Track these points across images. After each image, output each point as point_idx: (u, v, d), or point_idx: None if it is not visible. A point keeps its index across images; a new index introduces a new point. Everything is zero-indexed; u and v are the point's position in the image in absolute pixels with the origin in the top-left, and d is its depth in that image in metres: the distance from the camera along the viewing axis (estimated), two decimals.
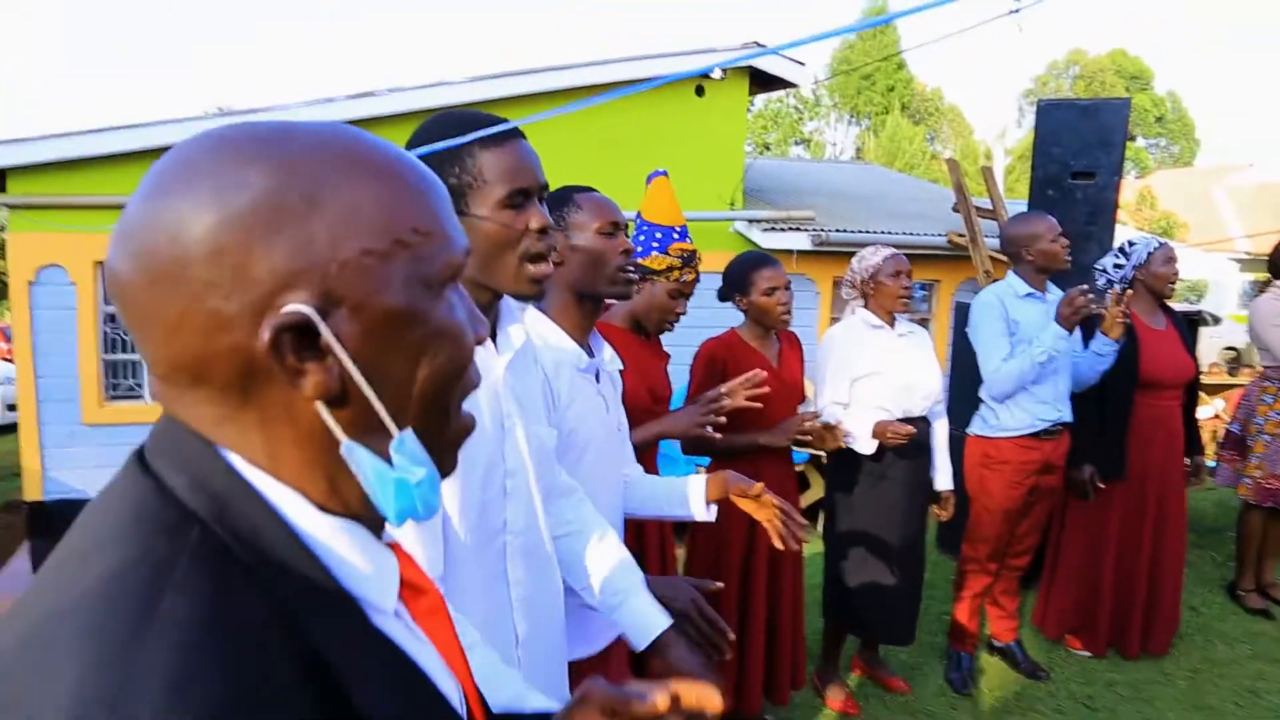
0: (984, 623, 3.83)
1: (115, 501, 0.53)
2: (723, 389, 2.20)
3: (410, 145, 1.24)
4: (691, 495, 1.77)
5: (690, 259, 2.48)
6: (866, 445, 3.00)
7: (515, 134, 1.26)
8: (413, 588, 0.64)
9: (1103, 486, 3.50)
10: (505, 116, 1.28)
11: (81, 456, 7.06)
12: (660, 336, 2.68)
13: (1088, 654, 3.72)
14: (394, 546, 0.64)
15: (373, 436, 0.56)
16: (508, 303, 1.33)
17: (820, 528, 7.01)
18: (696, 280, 2.58)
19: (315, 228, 0.53)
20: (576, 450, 1.64)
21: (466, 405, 0.65)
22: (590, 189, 1.78)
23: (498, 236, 1.20)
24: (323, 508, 0.57)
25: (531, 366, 1.41)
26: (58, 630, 0.45)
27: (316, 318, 0.53)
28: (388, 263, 0.56)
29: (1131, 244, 3.61)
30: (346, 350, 0.54)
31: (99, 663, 0.43)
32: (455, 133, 1.23)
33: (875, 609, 3.20)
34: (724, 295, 2.96)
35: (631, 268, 1.74)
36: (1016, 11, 2.50)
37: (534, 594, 1.28)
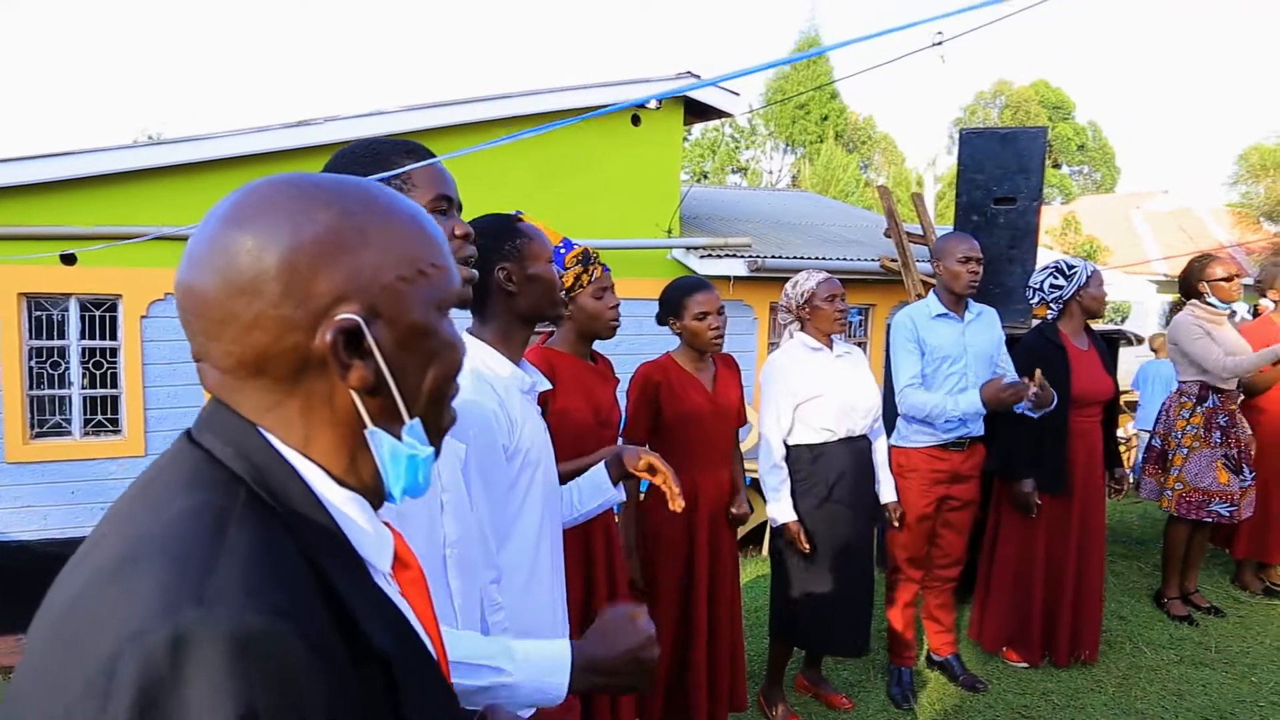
0: (922, 637, 3.91)
1: (171, 466, 0.68)
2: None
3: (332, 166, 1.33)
4: (601, 483, 1.92)
5: (587, 258, 2.51)
6: (784, 515, 3.18)
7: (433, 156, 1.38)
8: (401, 561, 0.78)
9: (1039, 503, 3.62)
10: (441, 144, 1.36)
11: (4, 495, 6.78)
12: (610, 360, 2.71)
13: (1024, 664, 3.82)
14: (387, 524, 0.77)
15: (389, 423, 0.71)
16: None
17: (765, 550, 7.09)
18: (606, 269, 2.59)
19: (364, 258, 0.68)
20: (531, 468, 1.70)
21: None
22: (521, 217, 1.83)
23: None
24: (340, 481, 0.70)
25: None
26: (146, 549, 0.58)
27: (364, 325, 0.67)
28: (413, 287, 0.71)
29: (1070, 266, 3.71)
30: (381, 353, 0.68)
31: (185, 571, 0.56)
32: (383, 158, 1.32)
33: (825, 622, 3.24)
34: (660, 319, 3.01)
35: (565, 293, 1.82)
36: (939, 44, 2.61)
37: (468, 603, 1.31)
